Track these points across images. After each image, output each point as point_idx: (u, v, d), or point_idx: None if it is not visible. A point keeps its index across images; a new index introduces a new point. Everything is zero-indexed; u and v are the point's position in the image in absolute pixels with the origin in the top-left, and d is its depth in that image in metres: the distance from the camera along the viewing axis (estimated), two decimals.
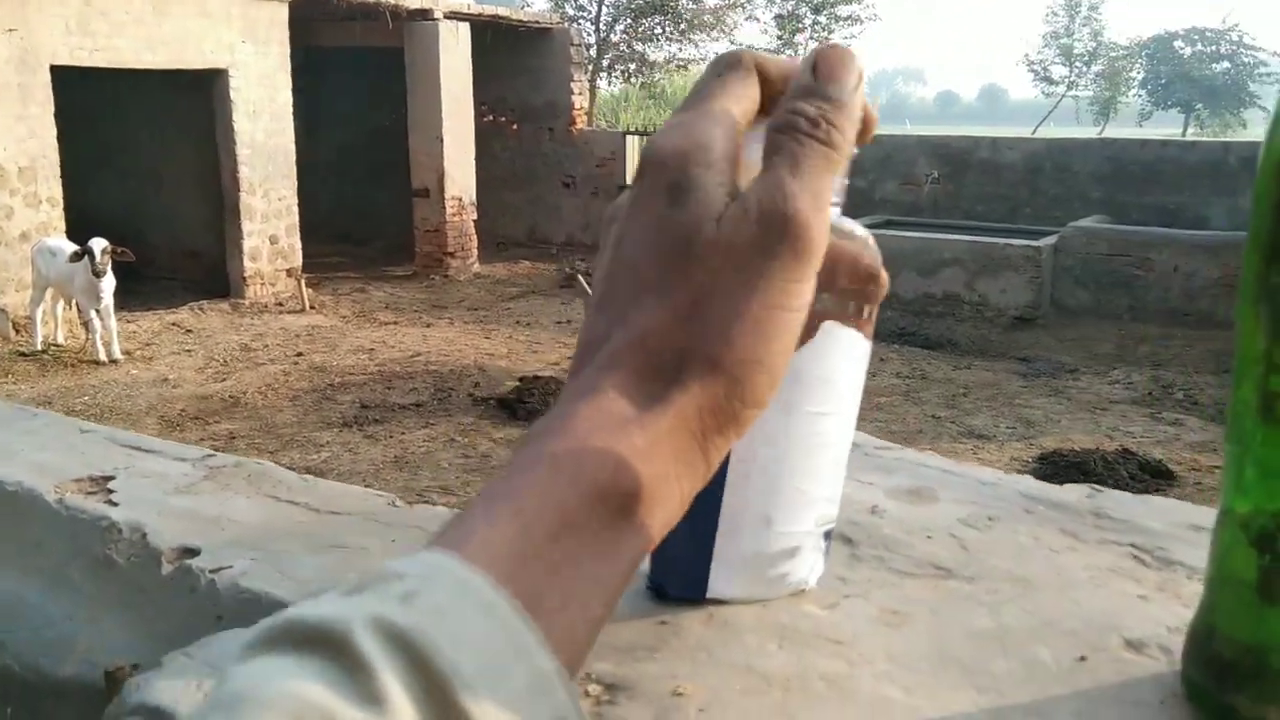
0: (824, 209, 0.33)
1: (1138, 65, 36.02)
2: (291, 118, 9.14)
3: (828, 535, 0.43)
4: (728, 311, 0.32)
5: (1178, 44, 36.39)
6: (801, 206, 0.32)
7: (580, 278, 7.69)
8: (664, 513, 0.31)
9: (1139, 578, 0.56)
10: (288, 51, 9.07)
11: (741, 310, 0.32)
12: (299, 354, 7.39)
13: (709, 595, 0.42)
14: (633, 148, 12.14)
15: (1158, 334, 7.77)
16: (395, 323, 8.55)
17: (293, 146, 9.17)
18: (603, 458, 0.30)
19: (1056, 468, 4.97)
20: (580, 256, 11.72)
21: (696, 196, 0.33)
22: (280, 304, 9.10)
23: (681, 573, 0.42)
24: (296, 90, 9.28)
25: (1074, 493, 0.68)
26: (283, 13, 8.99)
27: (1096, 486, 0.69)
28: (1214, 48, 35.97)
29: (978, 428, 5.73)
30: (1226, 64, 35.68)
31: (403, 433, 5.63)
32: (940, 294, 8.40)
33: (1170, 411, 6.07)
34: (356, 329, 8.29)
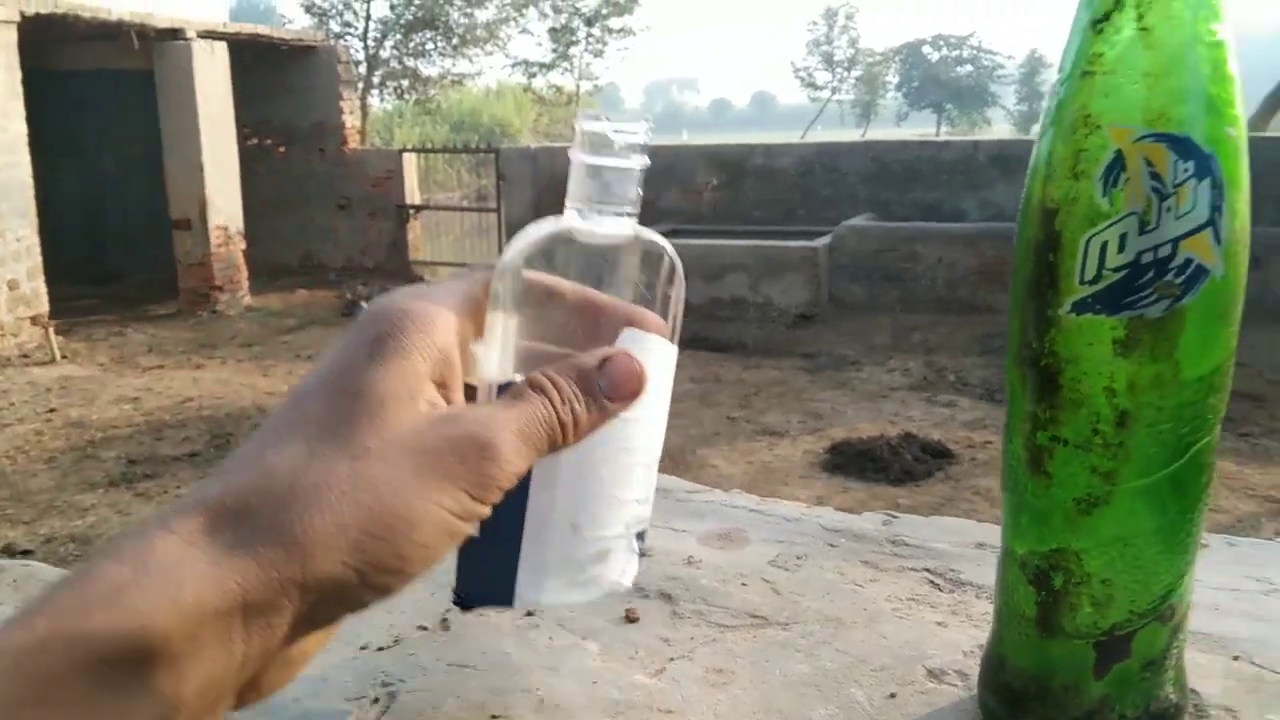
0: (521, 465, 0.34)
1: (892, 70, 39.15)
2: (27, 149, 8.33)
3: (641, 536, 0.42)
4: (362, 499, 0.31)
5: (926, 49, 39.81)
6: (505, 447, 0.33)
7: (363, 303, 7.44)
8: (198, 679, 0.29)
9: (934, 603, 0.60)
10: (18, 77, 8.25)
11: (374, 508, 0.31)
12: (51, 410, 6.73)
13: (517, 603, 0.40)
14: (409, 165, 11.89)
15: (927, 322, 8.40)
16: (161, 366, 7.95)
17: (30, 181, 8.36)
18: (123, 615, 0.28)
19: (846, 456, 5.26)
20: (361, 280, 11.34)
21: (401, 365, 0.33)
22: (26, 355, 8.25)
23: (487, 582, 0.40)
24: (31, 119, 8.46)
25: (871, 521, 0.72)
26: (10, 34, 8.17)
27: (892, 513, 0.73)
28: (958, 52, 39.72)
29: (771, 425, 5.98)
30: (970, 67, 39.47)
31: (178, 486, 5.24)
32: (727, 298, 8.72)
33: (944, 394, 6.57)
34: (117, 377, 7.64)
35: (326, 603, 0.31)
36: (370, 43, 16.62)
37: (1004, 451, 0.45)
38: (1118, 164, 0.38)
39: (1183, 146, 0.38)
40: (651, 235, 0.41)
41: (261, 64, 11.28)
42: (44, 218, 8.68)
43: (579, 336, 0.38)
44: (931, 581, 0.62)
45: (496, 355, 0.38)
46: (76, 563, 2.93)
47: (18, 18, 8.13)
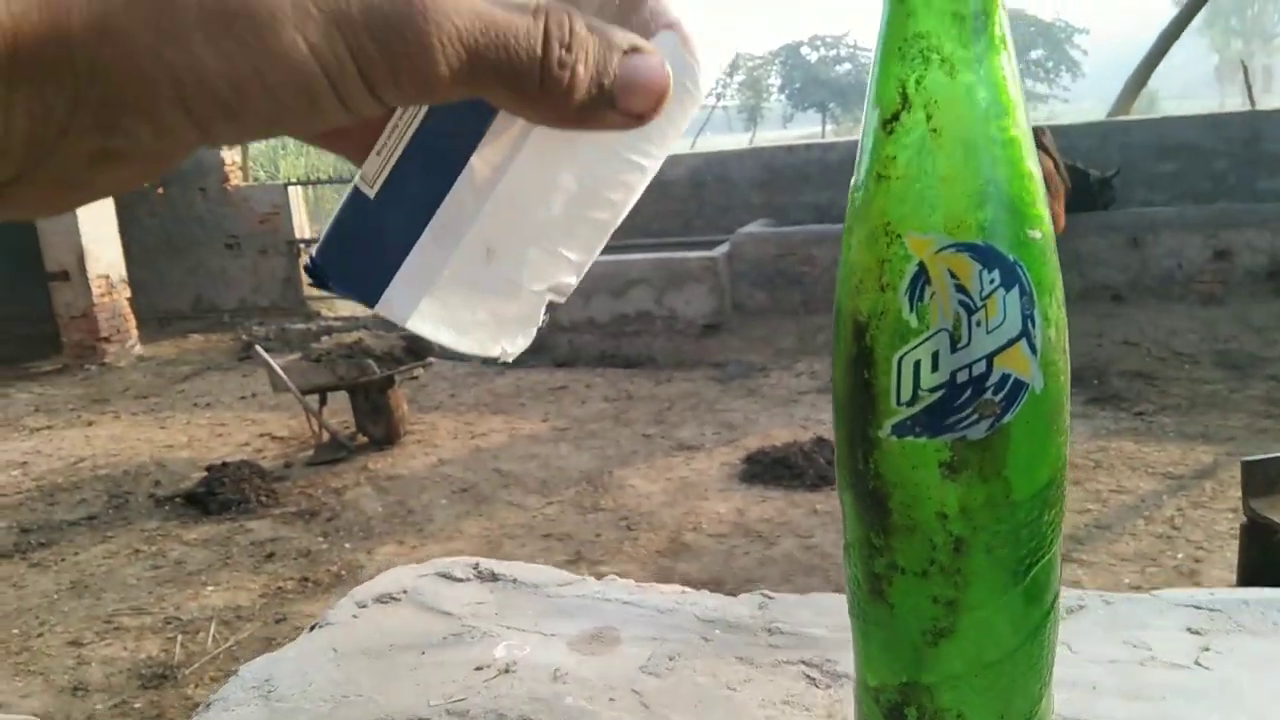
0: (442, 68, 0.24)
1: (774, 73, 39.95)
2: None
3: (549, 309, 0.34)
4: None
5: (804, 50, 40.73)
6: (436, 24, 0.24)
7: (258, 346, 7.21)
8: None
9: (809, 704, 0.57)
10: None
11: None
12: None
13: (378, 307, 0.31)
14: (297, 199, 11.60)
15: (829, 323, 8.49)
16: (49, 427, 7.57)
17: None
18: None
19: (762, 465, 5.29)
20: (257, 321, 11.01)
21: None
22: None
23: (356, 268, 0.31)
24: None
25: (747, 605, 0.69)
26: None
27: (767, 594, 0.70)
28: (835, 51, 40.76)
29: (686, 439, 5.98)
30: (849, 65, 40.54)
31: (76, 553, 4.99)
32: (633, 313, 8.72)
33: None
34: (1, 441, 7.26)
35: (120, 101, 0.23)
36: None
37: (846, 577, 0.42)
38: (922, 276, 0.35)
39: (986, 255, 0.35)
40: None
41: None
42: None
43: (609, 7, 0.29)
44: (808, 676, 0.59)
45: None
46: None
47: None
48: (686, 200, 10.39)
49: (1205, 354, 6.92)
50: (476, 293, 0.32)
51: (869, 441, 0.38)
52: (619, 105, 0.26)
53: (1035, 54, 44.43)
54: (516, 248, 0.32)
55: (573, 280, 0.34)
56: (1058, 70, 44.23)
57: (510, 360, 0.34)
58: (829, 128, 40.22)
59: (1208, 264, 8.27)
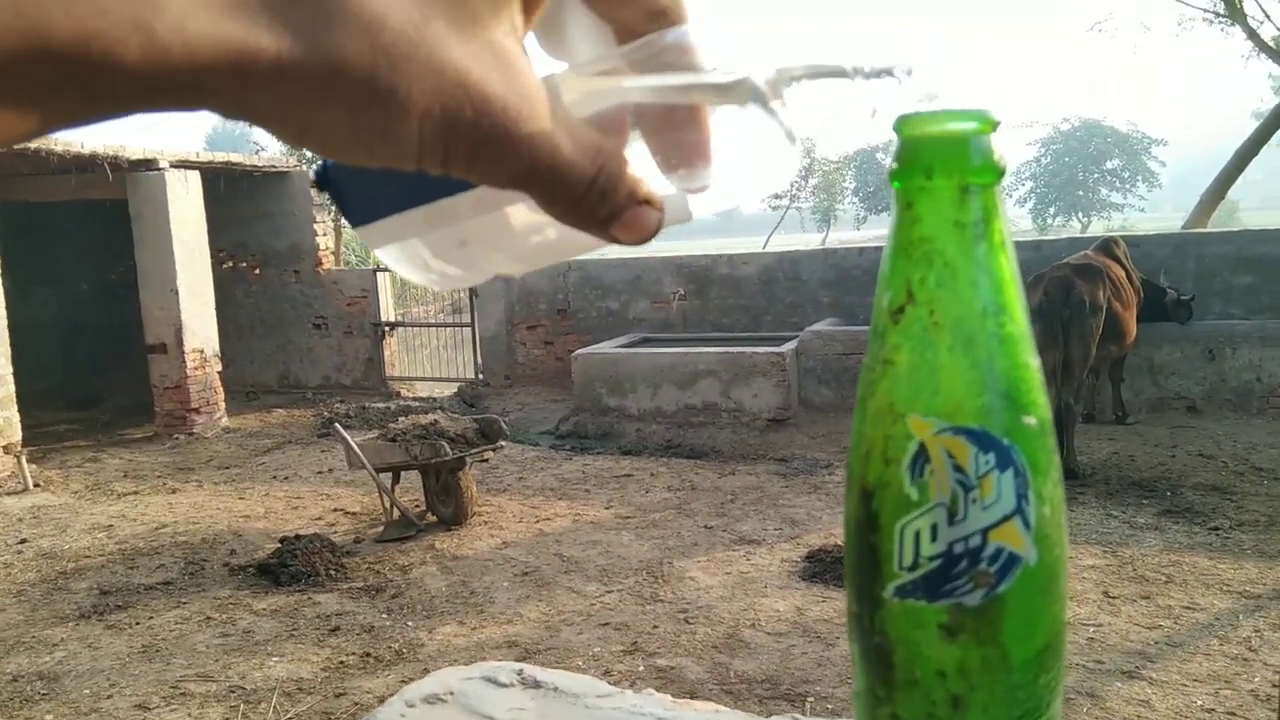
0: (544, 154, 0.30)
1: (848, 176, 40.33)
2: (0, 281, 8.37)
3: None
4: None
5: (880, 155, 41.12)
6: (548, 127, 0.30)
7: (337, 424, 7.41)
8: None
9: None
10: None
11: None
12: (23, 540, 6.61)
13: (357, 230, 0.37)
14: (384, 284, 12.01)
15: None
16: (136, 492, 7.85)
17: (3, 312, 8.38)
18: None
19: (823, 564, 5.21)
20: (339, 399, 11.33)
21: None
22: None
23: (359, 189, 0.37)
24: (5, 249, 8.53)
25: None
26: None
27: (798, 717, 0.72)
28: None
29: (747, 533, 5.94)
30: None
31: (150, 617, 5.12)
32: (700, 404, 8.75)
33: None
34: (91, 504, 7.53)
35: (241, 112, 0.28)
36: None
37: None
38: (922, 455, 0.39)
39: (982, 439, 0.39)
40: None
41: (236, 190, 11.49)
42: (19, 345, 8.69)
43: (654, 114, 0.35)
44: None
45: (584, 45, 0.35)
46: (44, 702, 2.83)
47: None
48: (756, 297, 10.48)
49: None
50: (439, 257, 0.37)
51: (874, 600, 0.41)
52: (610, 232, 0.33)
53: (1111, 164, 44.16)
54: (485, 248, 0.37)
55: (517, 275, 0.39)
56: (1134, 180, 43.84)
57: (428, 284, 0.40)
58: None
59: None
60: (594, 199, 0.32)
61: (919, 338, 0.40)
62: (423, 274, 0.39)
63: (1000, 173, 0.41)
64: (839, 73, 0.33)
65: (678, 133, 0.36)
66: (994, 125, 0.41)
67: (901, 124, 0.41)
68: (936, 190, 0.40)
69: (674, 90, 0.34)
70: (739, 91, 0.33)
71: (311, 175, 0.39)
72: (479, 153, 0.29)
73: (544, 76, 0.31)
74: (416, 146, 0.29)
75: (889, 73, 0.33)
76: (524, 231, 0.37)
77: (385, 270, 12.24)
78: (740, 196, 0.38)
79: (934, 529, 0.39)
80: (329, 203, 15.36)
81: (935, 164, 0.40)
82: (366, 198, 0.37)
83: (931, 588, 0.39)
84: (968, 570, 0.39)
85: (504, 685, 0.78)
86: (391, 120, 0.28)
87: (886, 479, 0.40)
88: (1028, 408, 0.40)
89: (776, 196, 35.81)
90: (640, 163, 0.34)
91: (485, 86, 0.29)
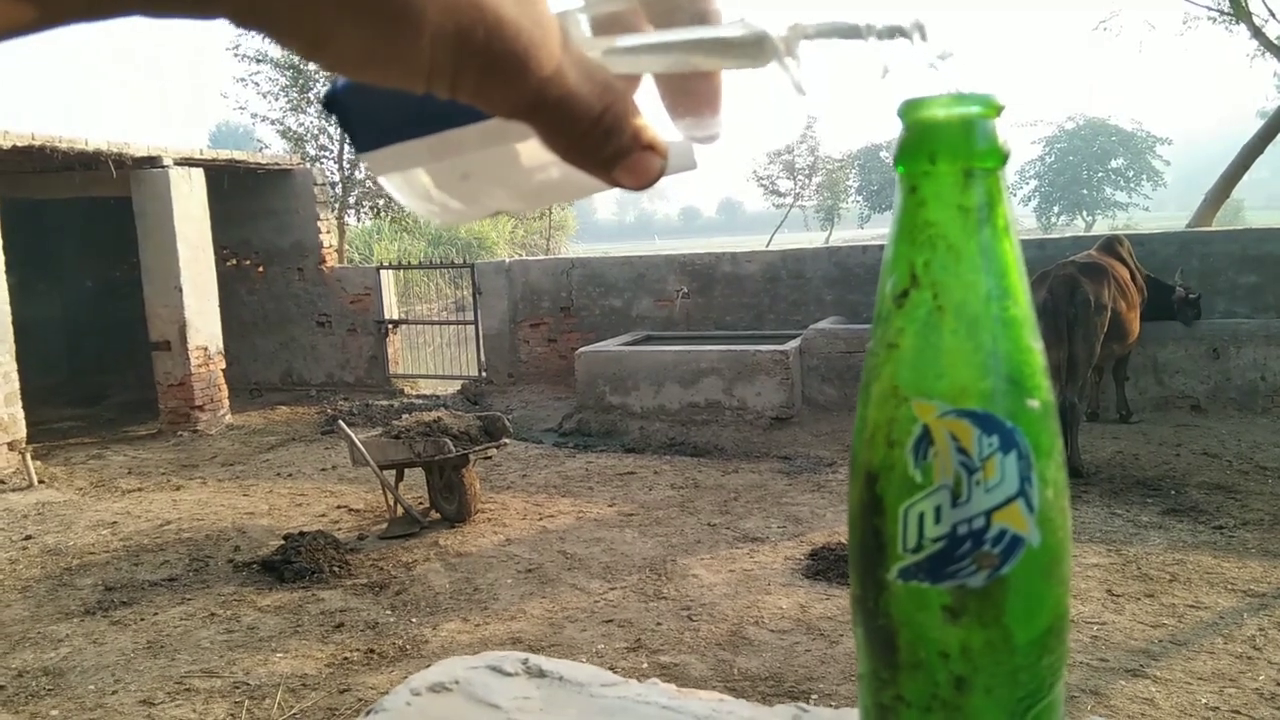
0: (550, 89, 0.30)
1: (852, 174, 40.29)
2: (4, 279, 8.39)
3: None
4: None
5: (883, 154, 41.07)
6: (556, 53, 0.30)
7: (341, 421, 7.42)
8: None
9: None
10: None
11: None
12: (28, 537, 6.63)
13: (361, 157, 0.37)
14: (388, 281, 12.03)
15: None
16: (140, 489, 7.87)
17: (7, 308, 8.40)
18: None
19: (827, 562, 5.21)
20: (343, 396, 11.35)
21: None
22: (2, 482, 8.16)
23: (368, 116, 0.36)
24: (9, 247, 8.55)
25: (781, 716, 0.72)
26: None
27: (803, 706, 0.72)
28: None
29: (751, 531, 5.94)
30: None
31: (155, 613, 5.13)
32: (703, 402, 8.75)
33: None
34: (95, 501, 7.55)
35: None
36: (345, 164, 16.99)
37: (859, 705, 0.45)
38: (926, 438, 0.39)
39: (985, 422, 0.39)
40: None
41: (240, 187, 11.50)
42: (24, 342, 8.71)
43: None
44: None
45: None
46: (49, 698, 2.83)
47: None
48: (759, 295, 10.47)
49: None
50: (441, 189, 0.38)
51: (878, 583, 0.41)
52: (612, 174, 0.33)
53: (1116, 162, 44.07)
54: (487, 183, 0.37)
55: (517, 213, 0.39)
56: (1139, 179, 43.75)
57: (429, 218, 0.40)
58: None
59: None
60: (598, 137, 0.31)
61: (923, 321, 0.40)
62: (424, 204, 0.39)
63: (1004, 157, 0.41)
64: (853, 32, 0.33)
65: (688, 80, 0.36)
66: (998, 110, 0.41)
67: (906, 108, 0.41)
68: (940, 174, 0.41)
69: (689, 50, 0.34)
70: (759, 50, 0.33)
71: (321, 96, 0.38)
72: (488, 77, 0.29)
73: (558, 12, 0.31)
74: (427, 65, 0.28)
75: (902, 32, 0.33)
76: (528, 169, 0.37)
77: (389, 268, 12.26)
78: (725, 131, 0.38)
79: (938, 511, 0.39)
80: (333, 200, 15.38)
81: (939, 148, 0.41)
82: (373, 124, 0.37)
83: (935, 569, 0.40)
84: (971, 552, 0.39)
85: (509, 674, 0.78)
86: (404, 35, 0.27)
87: (890, 462, 0.41)
88: (1031, 391, 0.40)
89: (780, 194, 35.79)
90: (647, 106, 0.34)
91: (499, 9, 0.28)
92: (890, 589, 0.41)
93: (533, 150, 0.35)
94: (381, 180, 0.38)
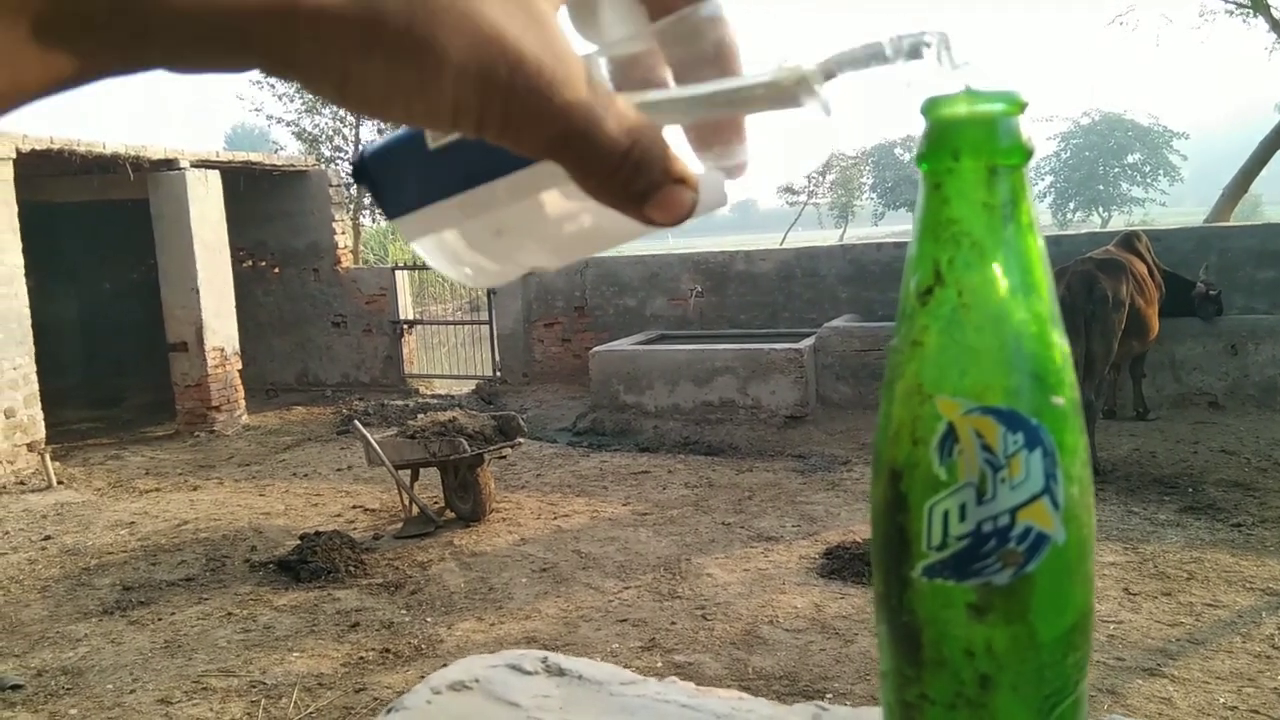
0: (578, 120, 0.30)
1: (866, 171, 40.23)
2: (23, 280, 8.46)
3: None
4: None
5: (897, 150, 40.98)
6: (581, 84, 0.30)
7: (357, 421, 7.45)
8: None
9: None
10: (15, 211, 8.44)
11: None
12: (47, 537, 6.68)
13: (393, 221, 0.36)
14: (403, 282, 12.07)
15: None
16: (158, 489, 7.92)
17: (26, 310, 8.46)
18: None
19: (842, 561, 5.20)
20: (358, 396, 11.39)
21: None
22: (21, 483, 8.23)
23: (395, 184, 0.36)
24: (28, 249, 8.62)
25: (802, 715, 0.72)
26: (7, 171, 8.39)
27: (822, 705, 0.72)
28: None
29: (765, 530, 5.93)
30: None
31: (172, 613, 5.17)
32: (717, 401, 8.75)
33: None
34: (113, 501, 7.61)
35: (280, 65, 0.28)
36: None
37: (882, 703, 0.45)
38: (950, 435, 0.39)
39: (1010, 419, 0.39)
40: None
41: (255, 189, 11.56)
42: (42, 344, 8.77)
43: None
44: None
45: (618, 23, 0.35)
46: (68, 697, 2.85)
47: (13, 154, 8.36)
48: (774, 293, 10.46)
49: None
50: (474, 249, 0.37)
51: (902, 580, 0.41)
52: (644, 211, 0.32)
53: (1132, 158, 43.84)
54: (521, 238, 0.37)
55: (552, 269, 0.38)
56: (1155, 174, 43.51)
57: (466, 279, 0.39)
58: None
59: None
60: (628, 171, 0.31)
61: (947, 319, 0.40)
62: (456, 268, 0.38)
63: (1028, 154, 0.41)
64: (880, 57, 0.32)
65: None
66: (1022, 106, 0.41)
67: (929, 106, 0.41)
68: (964, 172, 0.41)
69: (723, 102, 0.33)
70: (796, 92, 0.32)
71: (348, 166, 0.38)
72: (514, 113, 0.29)
73: (582, 55, 0.31)
74: (451, 103, 0.28)
75: (925, 44, 0.32)
76: (559, 218, 0.36)
77: (404, 269, 12.30)
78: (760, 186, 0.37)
79: (962, 509, 0.39)
80: (348, 201, 15.39)
81: (963, 145, 0.40)
82: (402, 188, 0.36)
83: (960, 567, 0.40)
84: (996, 549, 0.39)
85: (529, 673, 0.78)
86: (427, 72, 0.28)
87: (915, 459, 0.40)
88: (1056, 388, 0.40)
89: (793, 192, 35.75)
90: (673, 139, 0.33)
91: (521, 46, 0.28)
92: (914, 586, 0.41)
93: (563, 200, 0.35)
94: (414, 246, 0.38)
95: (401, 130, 0.36)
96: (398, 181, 0.36)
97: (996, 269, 0.40)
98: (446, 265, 0.38)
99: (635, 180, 0.31)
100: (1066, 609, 0.41)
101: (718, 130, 0.36)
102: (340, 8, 0.26)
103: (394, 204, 0.36)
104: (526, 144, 0.30)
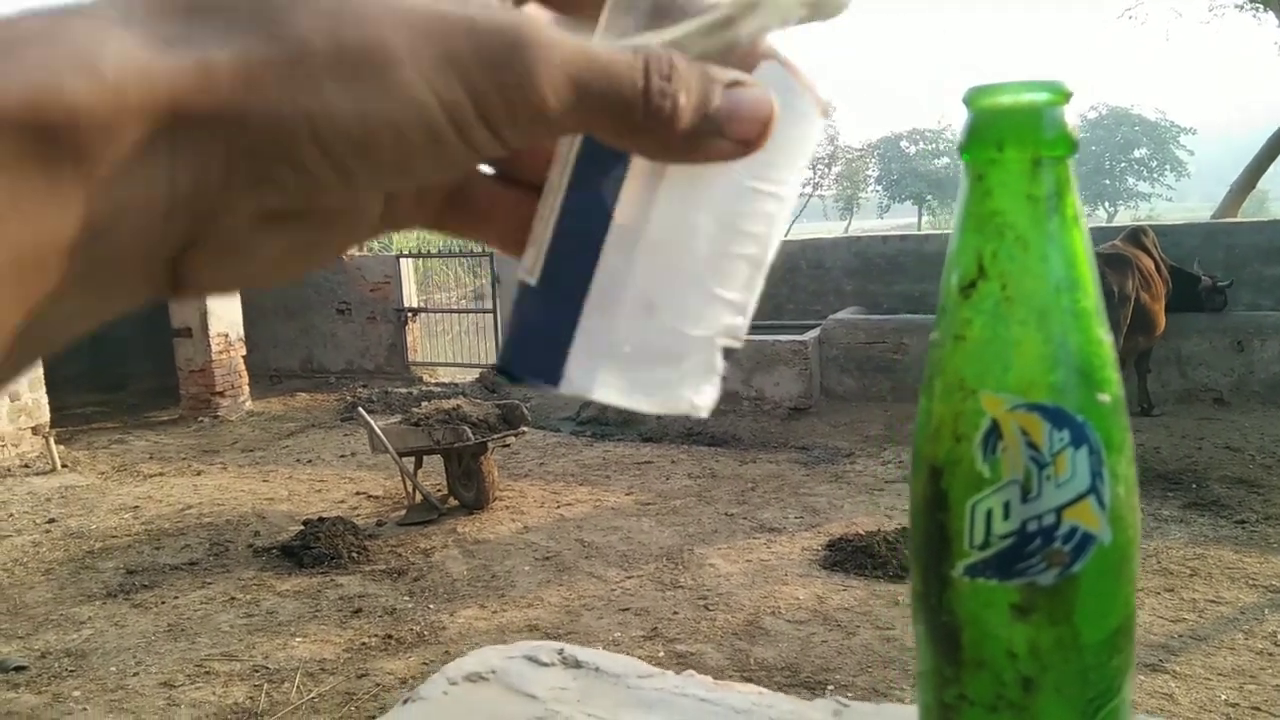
0: (554, 102, 0.26)
1: (871, 164, 40.21)
2: None
3: (728, 354, 0.33)
4: (341, 25, 0.24)
5: (903, 144, 40.97)
6: (543, 65, 0.26)
7: (361, 408, 7.45)
8: (113, 196, 0.23)
9: None
10: None
11: (351, 36, 0.24)
12: (51, 520, 6.70)
13: (564, 386, 0.31)
14: (407, 269, 12.05)
15: (916, 412, 8.39)
16: (161, 474, 7.92)
17: None
18: (19, 65, 0.22)
19: (844, 553, 5.20)
20: (362, 383, 11.39)
21: None
22: (26, 465, 8.25)
23: (536, 353, 0.31)
24: None
25: (822, 711, 0.71)
26: None
27: (842, 701, 0.72)
28: (934, 145, 40.90)
29: (768, 521, 5.93)
30: (946, 159, 40.58)
31: (176, 597, 5.18)
32: (721, 392, 8.73)
33: None
34: (118, 485, 7.62)
35: (266, 149, 0.24)
36: None
37: (918, 703, 0.44)
38: (994, 432, 0.39)
39: (1056, 416, 0.38)
40: None
41: None
42: None
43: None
44: None
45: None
46: (71, 679, 2.86)
47: None
48: (779, 285, 10.44)
49: None
50: (649, 351, 0.31)
51: (943, 579, 0.41)
52: (726, 132, 0.27)
53: (1139, 152, 43.76)
54: (674, 298, 0.31)
55: (739, 321, 0.33)
56: (1162, 169, 43.43)
57: (704, 414, 0.33)
58: (925, 219, 40.20)
59: None
60: (661, 90, 0.26)
61: (991, 312, 0.39)
62: (658, 391, 0.32)
63: (1074, 145, 0.40)
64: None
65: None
66: (1067, 96, 0.40)
67: (972, 95, 0.40)
68: (1008, 163, 0.40)
69: (695, 38, 0.29)
70: (753, 11, 0.29)
71: (502, 375, 0.32)
72: (505, 81, 0.25)
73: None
74: (433, 101, 0.25)
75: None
76: (684, 243, 0.31)
77: (408, 256, 12.28)
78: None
79: (1006, 507, 0.39)
80: None
81: (1007, 136, 0.40)
82: (542, 350, 0.31)
83: (1003, 567, 0.39)
84: (1041, 549, 0.38)
85: (545, 664, 0.78)
86: (384, 74, 0.24)
87: (957, 456, 0.40)
88: (1101, 384, 0.39)
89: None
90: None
91: (469, 14, 0.25)
92: (955, 586, 0.40)
93: (674, 222, 0.30)
94: (601, 398, 0.32)
95: (511, 307, 0.32)
96: (535, 350, 0.32)
97: (1041, 262, 0.39)
98: (647, 393, 0.32)
99: (683, 99, 0.27)
100: (1111, 611, 0.40)
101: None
102: (261, 59, 0.24)
103: (548, 373, 0.31)
104: (548, 118, 0.26)
